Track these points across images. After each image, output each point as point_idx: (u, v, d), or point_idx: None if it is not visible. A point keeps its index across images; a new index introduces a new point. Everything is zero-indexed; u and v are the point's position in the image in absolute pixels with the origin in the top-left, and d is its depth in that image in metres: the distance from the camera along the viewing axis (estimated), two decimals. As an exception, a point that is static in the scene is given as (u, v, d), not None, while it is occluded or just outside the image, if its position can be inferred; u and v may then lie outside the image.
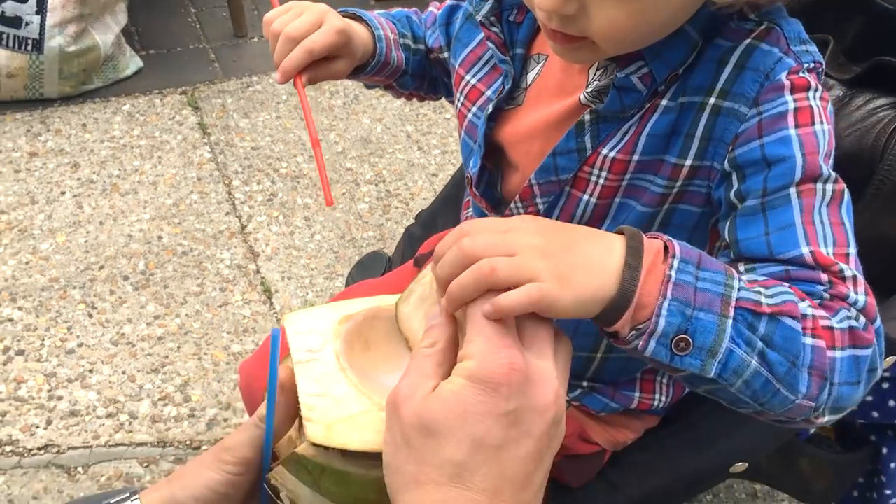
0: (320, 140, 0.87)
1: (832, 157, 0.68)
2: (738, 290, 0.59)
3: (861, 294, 0.64)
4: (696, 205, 0.76)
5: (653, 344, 0.58)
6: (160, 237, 1.86)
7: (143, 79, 2.22)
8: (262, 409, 0.61)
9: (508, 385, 0.48)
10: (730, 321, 0.58)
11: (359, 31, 0.90)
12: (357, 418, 0.56)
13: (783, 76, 0.67)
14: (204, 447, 1.51)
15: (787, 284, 0.63)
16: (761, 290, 0.61)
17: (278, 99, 2.25)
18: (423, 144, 2.18)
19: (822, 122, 0.67)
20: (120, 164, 2.01)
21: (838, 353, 0.61)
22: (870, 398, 1.12)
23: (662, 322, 0.57)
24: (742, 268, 0.67)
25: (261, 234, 1.90)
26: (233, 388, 1.60)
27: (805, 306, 0.61)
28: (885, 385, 1.11)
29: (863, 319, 0.63)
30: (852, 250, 0.66)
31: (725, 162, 0.69)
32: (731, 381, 0.59)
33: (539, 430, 0.49)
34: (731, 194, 0.70)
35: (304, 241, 1.90)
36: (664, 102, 0.71)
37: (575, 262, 0.56)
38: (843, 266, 0.64)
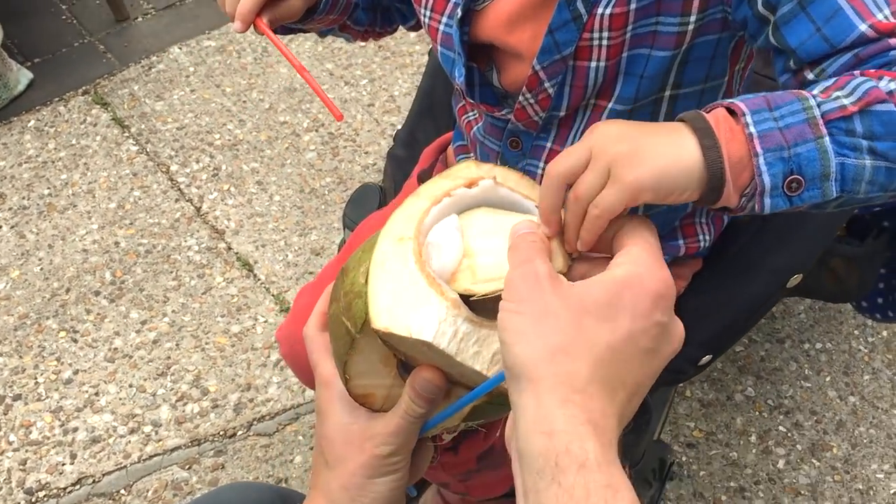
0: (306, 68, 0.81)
1: None
2: (818, 106, 0.59)
3: None
4: (713, 33, 0.75)
5: (768, 201, 0.59)
6: (117, 243, 1.76)
7: (38, 90, 2.07)
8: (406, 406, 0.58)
9: (667, 300, 0.47)
10: (827, 139, 0.58)
11: None
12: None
13: None
14: (239, 433, 1.47)
15: (858, 71, 0.63)
16: (838, 93, 0.60)
17: (185, 72, 2.13)
18: (348, 78, 2.10)
19: None
20: (47, 182, 1.88)
21: None
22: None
23: (766, 177, 0.58)
24: (810, 74, 0.67)
25: (219, 211, 1.82)
26: (247, 367, 1.55)
27: (886, 83, 0.60)
28: (894, 168, 1.13)
29: None
30: None
31: None
32: (855, 189, 0.59)
33: (667, 354, 0.49)
34: (760, 7, 0.68)
35: (264, 205, 1.83)
36: None
37: (654, 152, 0.57)
38: None
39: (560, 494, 0.40)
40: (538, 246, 0.51)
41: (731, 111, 0.60)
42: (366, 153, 1.93)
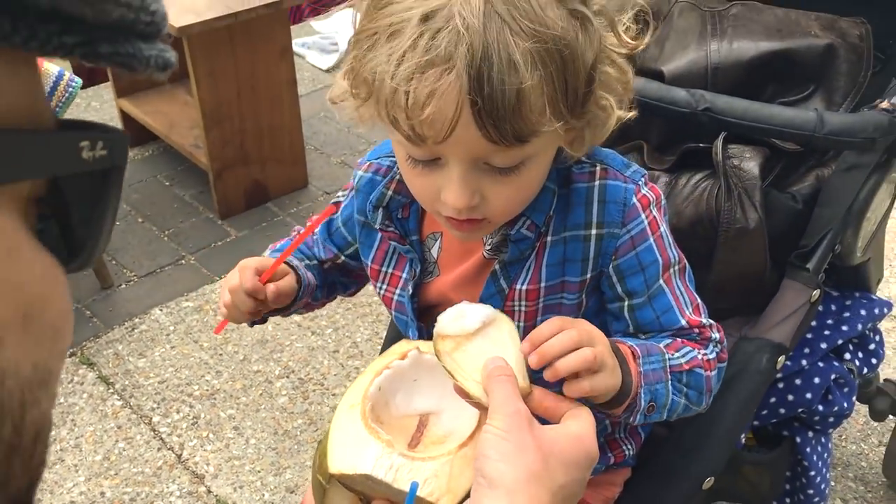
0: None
1: (672, 241, 0.98)
2: (669, 360, 0.93)
3: (716, 332, 0.99)
4: (596, 297, 1.02)
5: (639, 416, 0.90)
6: (102, 493, 1.89)
7: (28, 353, 2.26)
8: None
9: (595, 461, 0.71)
10: (669, 383, 0.91)
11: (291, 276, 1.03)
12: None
13: (634, 199, 0.93)
14: None
15: (681, 340, 0.96)
16: (676, 353, 0.94)
17: (166, 331, 2.35)
18: (314, 329, 2.34)
19: (662, 224, 0.96)
20: (36, 438, 2.02)
21: (713, 373, 0.97)
22: (773, 399, 1.38)
23: (642, 401, 0.88)
24: (643, 337, 0.98)
25: (199, 457, 1.97)
26: None
27: (698, 352, 0.95)
28: (781, 385, 1.38)
29: (720, 346, 0.99)
30: (699, 300, 1.00)
31: (610, 268, 0.95)
32: (670, 416, 0.94)
33: (578, 498, 0.72)
34: (620, 291, 0.98)
35: (241, 449, 1.99)
36: (549, 239, 0.94)
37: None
38: (703, 320, 0.98)
39: None
40: (515, 387, 0.74)
41: (633, 353, 0.89)
42: (333, 395, 2.13)
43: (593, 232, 0.94)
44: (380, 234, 1.03)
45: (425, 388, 0.86)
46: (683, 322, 0.97)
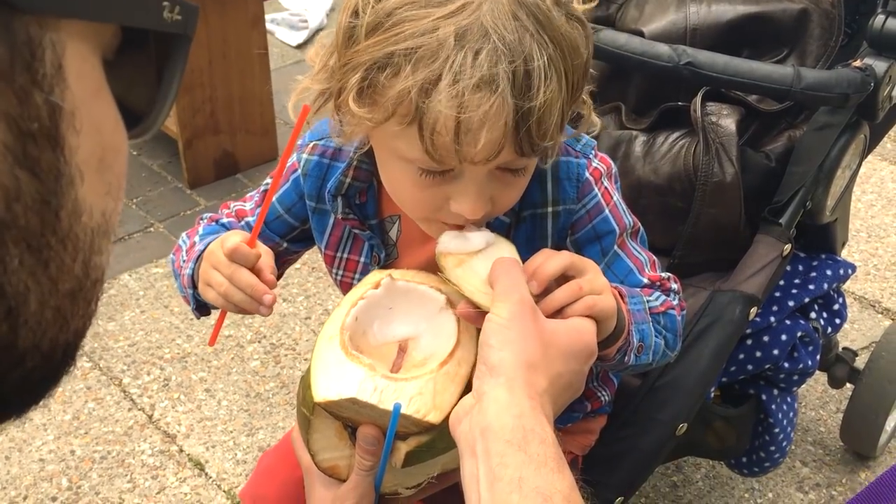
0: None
1: (625, 207, 1.00)
2: (647, 302, 0.95)
3: (674, 283, 1.02)
4: None
5: (631, 357, 0.90)
6: (73, 451, 1.87)
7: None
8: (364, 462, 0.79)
9: (594, 357, 0.75)
10: (651, 325, 0.94)
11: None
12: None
13: (587, 174, 0.95)
14: None
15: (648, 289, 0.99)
16: (650, 297, 0.97)
17: (136, 296, 2.34)
18: (285, 296, 2.35)
19: (615, 193, 0.99)
20: (2, 398, 2.00)
21: (680, 318, 1.00)
22: (741, 356, 1.43)
23: (634, 339, 0.89)
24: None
25: (170, 417, 1.97)
26: (202, 560, 1.65)
27: (669, 299, 0.99)
28: (749, 341, 1.42)
29: (679, 295, 1.02)
30: (653, 256, 1.02)
31: (568, 242, 0.98)
32: (651, 361, 0.95)
33: (578, 392, 0.76)
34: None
35: (213, 410, 1.99)
36: (508, 220, 0.95)
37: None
38: (662, 274, 1.01)
39: (525, 459, 0.61)
40: (522, 277, 0.75)
41: (620, 294, 0.90)
42: (305, 360, 2.14)
43: (549, 210, 0.95)
44: (332, 220, 1.00)
45: (401, 315, 0.87)
46: (645, 280, 0.99)
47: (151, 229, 2.62)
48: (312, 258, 2.49)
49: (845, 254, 1.82)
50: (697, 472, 1.88)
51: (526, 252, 0.86)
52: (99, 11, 0.32)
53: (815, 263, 1.47)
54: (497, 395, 0.66)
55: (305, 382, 0.80)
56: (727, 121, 1.28)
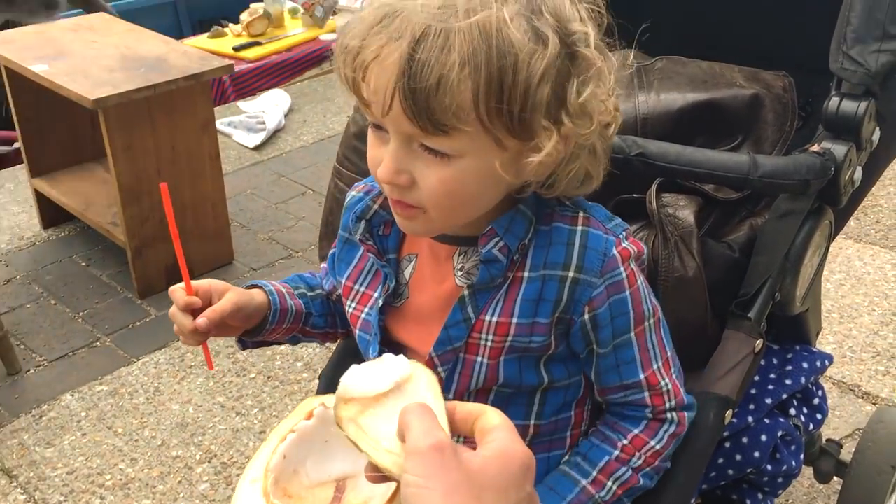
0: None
1: (650, 292, 0.98)
2: (610, 486, 0.98)
3: (673, 399, 0.99)
4: (561, 344, 0.97)
5: None
6: None
7: (-79, 447, 2.07)
8: None
9: (532, 470, 0.62)
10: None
11: (250, 292, 1.05)
12: None
13: (614, 251, 0.93)
14: None
15: (618, 455, 0.99)
16: (604, 487, 0.98)
17: (77, 418, 2.19)
18: (239, 409, 2.21)
19: (639, 277, 0.96)
20: (-75, 541, 1.83)
21: (664, 457, 1.01)
22: (721, 460, 1.33)
23: None
24: (600, 398, 1.01)
25: (110, 553, 1.80)
26: None
27: (638, 455, 0.99)
28: (727, 444, 1.32)
29: (677, 416, 1.00)
30: (670, 353, 1.00)
31: (585, 316, 0.93)
32: None
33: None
34: (591, 339, 0.95)
35: (157, 542, 1.83)
36: (526, 274, 0.92)
37: None
38: (664, 381, 0.98)
39: None
40: (433, 417, 0.62)
41: None
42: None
43: (570, 274, 0.92)
44: (360, 252, 1.03)
45: (339, 450, 0.76)
46: (641, 377, 0.97)
47: (98, 344, 2.49)
48: (268, 366, 2.37)
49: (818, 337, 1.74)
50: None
51: (528, 311, 0.91)
52: None
53: (789, 356, 1.39)
54: None
55: None
56: (685, 212, 1.21)
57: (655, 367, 0.98)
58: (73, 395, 2.28)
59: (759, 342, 1.19)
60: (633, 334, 0.96)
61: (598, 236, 0.93)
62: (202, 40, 4.64)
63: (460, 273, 0.96)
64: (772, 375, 1.36)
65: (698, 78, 1.34)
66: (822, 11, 1.23)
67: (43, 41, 2.78)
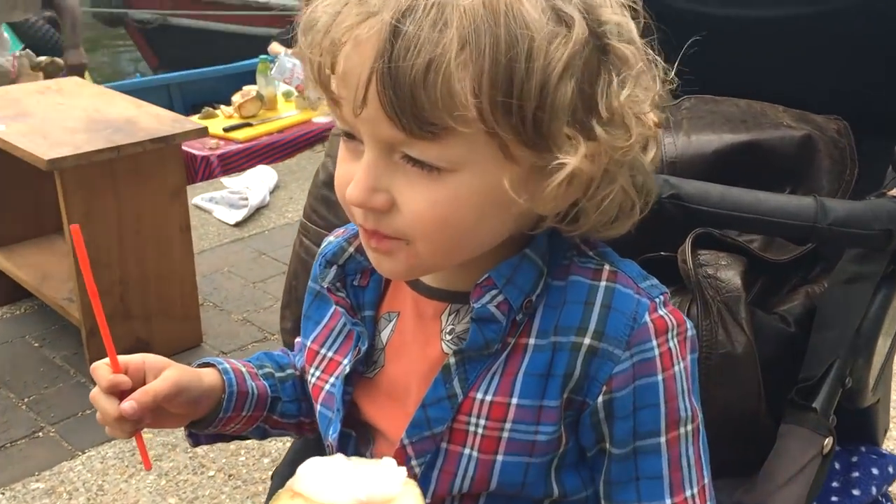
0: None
1: (692, 388, 0.74)
2: None
3: None
4: (571, 439, 0.73)
5: None
6: None
7: None
8: None
9: None
10: None
11: (199, 371, 0.83)
12: None
13: (647, 317, 0.71)
14: None
15: None
16: None
17: (4, 521, 1.90)
18: (193, 513, 1.92)
19: (680, 362, 0.72)
20: None
21: None
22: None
23: None
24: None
25: None
26: None
27: None
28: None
29: None
30: (707, 479, 0.75)
31: (600, 399, 0.70)
32: None
33: None
34: (602, 431, 0.71)
35: None
36: (532, 341, 0.71)
37: None
38: None
39: None
40: None
41: None
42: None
43: (586, 341, 0.70)
44: (331, 309, 0.84)
45: None
46: (668, 502, 0.72)
47: (40, 434, 2.23)
48: (230, 462, 2.09)
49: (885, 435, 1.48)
50: None
51: (533, 390, 0.70)
52: None
53: (854, 459, 1.13)
54: None
55: None
56: (728, 273, 0.97)
57: (689, 493, 0.73)
58: (4, 493, 1.99)
59: (829, 441, 0.94)
60: (663, 440, 0.72)
61: (627, 296, 0.72)
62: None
63: (449, 337, 0.74)
64: (834, 484, 1.10)
65: (736, 117, 1.12)
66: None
67: (4, 102, 2.59)
